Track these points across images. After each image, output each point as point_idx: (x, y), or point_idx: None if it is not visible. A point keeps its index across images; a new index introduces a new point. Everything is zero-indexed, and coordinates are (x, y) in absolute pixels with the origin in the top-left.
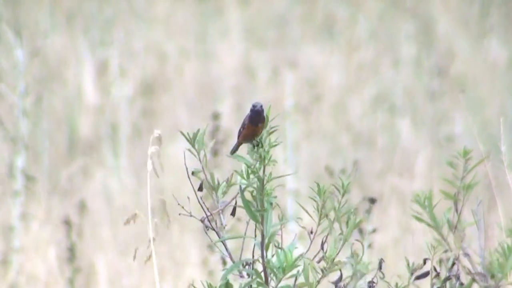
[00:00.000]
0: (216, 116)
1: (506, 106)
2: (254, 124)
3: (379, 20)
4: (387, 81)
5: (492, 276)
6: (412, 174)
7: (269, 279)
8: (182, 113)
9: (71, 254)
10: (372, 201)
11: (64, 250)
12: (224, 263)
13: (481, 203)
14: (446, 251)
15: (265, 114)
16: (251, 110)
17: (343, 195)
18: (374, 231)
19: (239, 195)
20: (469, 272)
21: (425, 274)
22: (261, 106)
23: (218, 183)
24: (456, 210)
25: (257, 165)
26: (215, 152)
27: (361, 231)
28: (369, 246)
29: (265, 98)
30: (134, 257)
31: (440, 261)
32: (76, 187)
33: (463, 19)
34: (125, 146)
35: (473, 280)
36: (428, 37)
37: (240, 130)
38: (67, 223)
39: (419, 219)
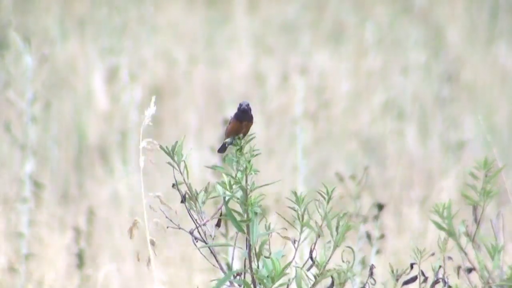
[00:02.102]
0: (226, 122)
1: None
2: (239, 121)
3: (388, 26)
4: (396, 87)
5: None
6: (421, 181)
7: None
8: (191, 119)
9: (80, 260)
10: (380, 207)
11: (73, 256)
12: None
13: (500, 215)
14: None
15: (252, 114)
16: (238, 108)
17: (328, 201)
18: (382, 237)
19: (223, 206)
20: (486, 283)
21: (413, 279)
22: (247, 105)
23: (197, 193)
24: (475, 219)
25: (239, 174)
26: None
27: (369, 237)
28: (377, 252)
29: (274, 104)
30: (138, 258)
31: (459, 268)
32: (85, 193)
33: (472, 25)
34: (134, 153)
35: None
36: (437, 43)
37: (226, 127)
38: (76, 229)
39: (441, 227)
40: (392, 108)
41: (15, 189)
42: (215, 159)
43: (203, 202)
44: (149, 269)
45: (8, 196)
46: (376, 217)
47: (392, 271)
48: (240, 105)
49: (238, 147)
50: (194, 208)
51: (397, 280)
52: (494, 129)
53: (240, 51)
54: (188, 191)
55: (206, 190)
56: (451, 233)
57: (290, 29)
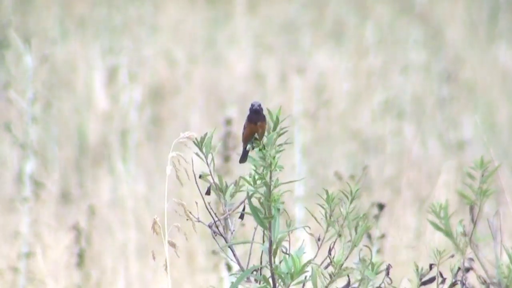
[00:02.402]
0: (228, 122)
1: None
2: (253, 123)
3: (388, 26)
4: (396, 87)
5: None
6: (421, 180)
7: (277, 285)
8: (191, 119)
9: (81, 260)
10: (381, 206)
11: (74, 256)
12: (229, 268)
13: (498, 213)
14: (456, 256)
15: (264, 113)
16: (250, 110)
17: (351, 202)
18: (382, 236)
19: (247, 201)
20: (484, 282)
21: (431, 280)
22: (259, 105)
23: (226, 185)
24: (472, 219)
25: (264, 170)
26: (226, 158)
27: (369, 237)
28: (378, 251)
29: (274, 103)
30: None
31: (458, 268)
32: (85, 193)
33: (472, 24)
34: (134, 152)
35: None
36: (437, 43)
37: (242, 133)
38: (76, 229)
39: (438, 228)
40: (391, 108)
41: (15, 189)
42: (216, 159)
43: (232, 196)
44: (166, 272)
45: (8, 196)
46: (376, 217)
47: (417, 269)
48: (252, 105)
49: (261, 146)
50: (222, 200)
51: (420, 279)
52: (494, 128)
53: (240, 51)
54: (214, 183)
55: (236, 183)
56: (448, 234)
57: (290, 28)
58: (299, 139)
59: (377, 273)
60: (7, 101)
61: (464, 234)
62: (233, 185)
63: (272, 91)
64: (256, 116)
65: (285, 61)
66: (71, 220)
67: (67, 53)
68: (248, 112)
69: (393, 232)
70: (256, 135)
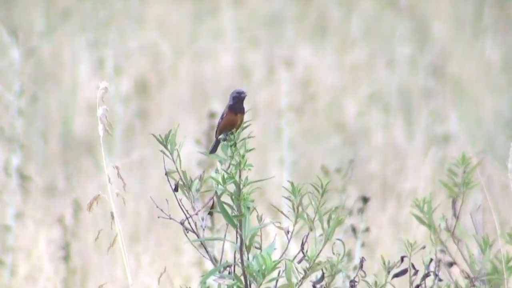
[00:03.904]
0: (212, 115)
1: (500, 105)
2: (234, 113)
3: (374, 19)
4: (382, 80)
5: (490, 282)
6: (406, 173)
7: (249, 283)
8: (176, 112)
9: (66, 253)
10: (365, 200)
11: (59, 249)
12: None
13: (480, 208)
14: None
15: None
16: (234, 97)
17: (322, 195)
18: (367, 230)
19: (216, 199)
20: (467, 277)
21: (403, 272)
22: (244, 94)
23: (191, 180)
24: (454, 214)
25: (233, 170)
26: (210, 151)
27: (354, 230)
28: (362, 245)
29: (259, 97)
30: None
31: (431, 260)
32: (71, 186)
33: (458, 18)
34: (119, 145)
35: (472, 285)
36: (422, 37)
37: (219, 122)
38: (62, 222)
39: (422, 221)
40: (377, 101)
41: (1, 182)
42: (200, 152)
43: (197, 190)
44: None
45: None
46: (361, 210)
47: (384, 263)
48: (238, 93)
49: (232, 143)
50: (187, 196)
51: (388, 272)
52: (479, 121)
53: (226, 44)
54: (182, 179)
55: (200, 178)
56: (431, 227)
57: (275, 22)
58: (286, 132)
59: (347, 269)
60: None
61: (447, 229)
62: (198, 180)
63: (257, 85)
64: (238, 106)
65: (271, 55)
66: (57, 213)
67: (53, 47)
68: (229, 99)
69: (378, 226)
70: (234, 129)
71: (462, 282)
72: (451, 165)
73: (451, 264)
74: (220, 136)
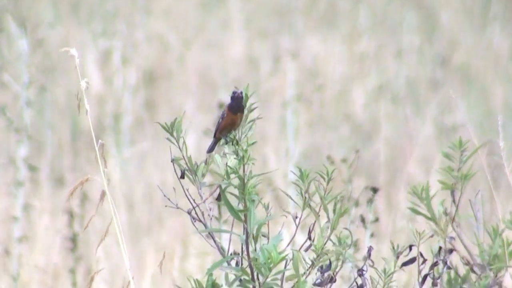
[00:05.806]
0: (221, 106)
1: (508, 95)
2: (234, 112)
3: (382, 9)
4: (390, 70)
5: (491, 267)
6: (415, 164)
7: (255, 275)
8: (184, 103)
9: (73, 244)
10: (374, 190)
11: (66, 240)
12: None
13: (479, 194)
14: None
15: (243, 103)
16: (231, 98)
17: (328, 182)
18: (376, 220)
19: (221, 191)
20: (467, 263)
21: (412, 260)
22: (241, 93)
23: (197, 165)
24: (454, 201)
25: (237, 164)
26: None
27: (363, 220)
28: (372, 235)
29: (267, 87)
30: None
31: (439, 248)
32: (79, 177)
33: (466, 8)
34: (127, 136)
35: (471, 271)
36: (430, 27)
37: (219, 122)
38: (69, 213)
39: (416, 211)
40: (385, 92)
41: (10, 173)
42: (208, 143)
43: (203, 175)
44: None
45: (2, 180)
46: (370, 201)
47: (393, 248)
48: (234, 92)
49: (233, 139)
50: (193, 182)
51: (397, 257)
52: (488, 112)
53: (233, 35)
54: (187, 165)
55: (206, 162)
56: (428, 216)
57: (283, 12)
58: (292, 123)
59: (355, 258)
60: (2, 85)
61: (445, 213)
62: (203, 163)
63: (265, 75)
64: (237, 106)
65: (278, 45)
66: (64, 204)
67: (61, 37)
68: (230, 100)
69: (387, 216)
70: (233, 129)
71: (463, 269)
72: (447, 149)
73: (450, 251)
74: (221, 139)
